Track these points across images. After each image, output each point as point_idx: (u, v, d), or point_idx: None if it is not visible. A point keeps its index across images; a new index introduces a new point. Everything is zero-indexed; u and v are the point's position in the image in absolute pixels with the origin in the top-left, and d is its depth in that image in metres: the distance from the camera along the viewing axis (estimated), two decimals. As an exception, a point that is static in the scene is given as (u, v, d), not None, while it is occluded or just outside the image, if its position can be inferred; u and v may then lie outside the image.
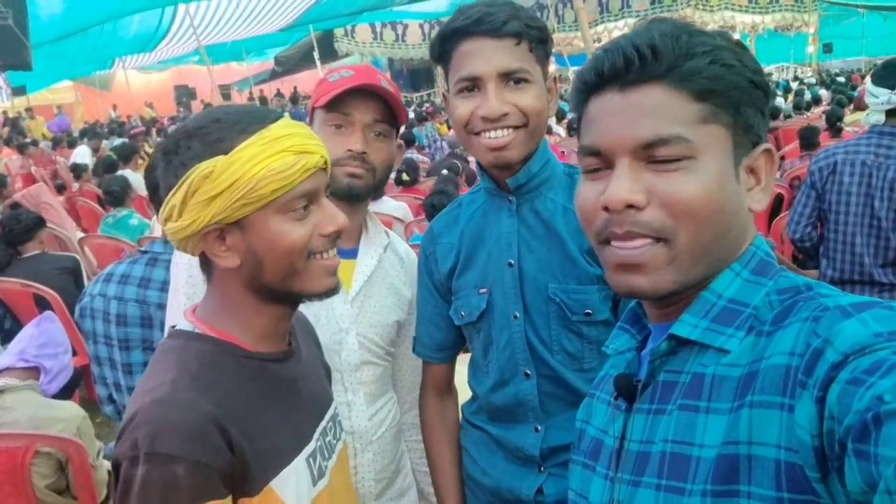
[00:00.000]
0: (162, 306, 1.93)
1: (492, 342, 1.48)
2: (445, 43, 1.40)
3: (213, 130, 1.03)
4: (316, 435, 1.19)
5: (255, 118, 1.05)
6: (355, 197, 1.54)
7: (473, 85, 1.37)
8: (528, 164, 1.41)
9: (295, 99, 19.83)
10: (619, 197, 0.80)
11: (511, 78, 1.35)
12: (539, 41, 1.37)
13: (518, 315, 1.43)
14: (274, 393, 1.12)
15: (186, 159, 1.02)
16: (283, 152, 1.02)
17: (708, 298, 0.83)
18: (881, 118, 2.83)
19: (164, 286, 1.95)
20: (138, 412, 0.98)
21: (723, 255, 0.83)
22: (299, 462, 1.12)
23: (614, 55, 0.82)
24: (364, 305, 1.61)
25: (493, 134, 1.36)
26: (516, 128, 1.35)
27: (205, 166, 1.00)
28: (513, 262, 1.43)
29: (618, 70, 0.81)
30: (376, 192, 1.61)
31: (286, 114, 1.10)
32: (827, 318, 0.71)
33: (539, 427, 1.46)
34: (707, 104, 0.80)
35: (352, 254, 1.62)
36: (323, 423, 1.23)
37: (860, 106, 10.04)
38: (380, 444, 1.63)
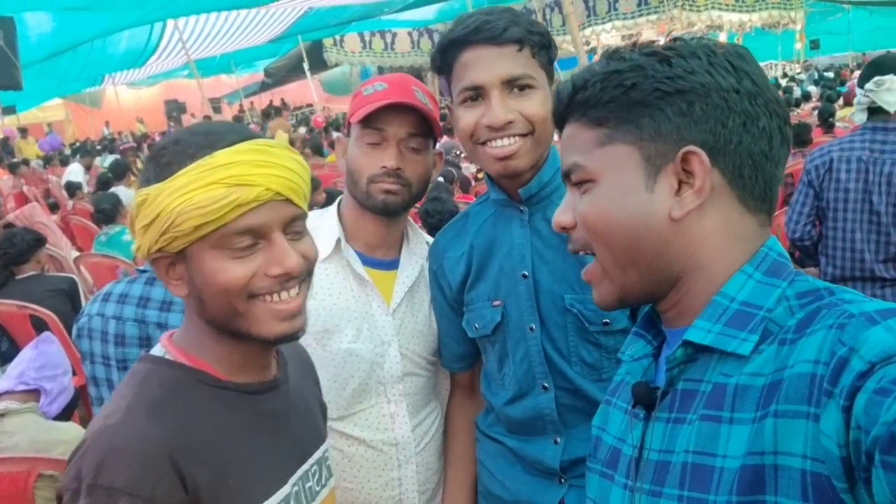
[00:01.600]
0: (161, 325, 1.92)
1: (507, 355, 1.46)
2: (446, 54, 1.38)
3: (168, 153, 0.97)
4: (293, 478, 1.09)
5: (209, 141, 0.96)
6: (391, 213, 1.53)
7: (477, 94, 1.35)
8: (539, 174, 1.40)
9: (268, 113, 19.63)
10: (555, 220, 0.93)
11: (515, 85, 1.33)
12: (541, 46, 1.36)
13: (534, 327, 1.41)
14: (247, 427, 1.03)
15: (142, 181, 0.98)
16: (215, 184, 0.92)
17: (720, 302, 0.83)
18: (864, 116, 2.86)
19: (163, 305, 1.94)
20: (87, 439, 0.91)
21: (654, 263, 0.85)
22: None
23: (553, 103, 0.96)
24: (406, 317, 1.60)
25: (499, 143, 1.34)
26: (523, 136, 1.33)
27: (142, 193, 0.95)
28: (527, 273, 1.41)
29: (555, 114, 0.95)
30: (413, 204, 1.60)
31: (255, 137, 1.00)
32: (852, 325, 0.71)
33: (559, 439, 1.43)
34: (602, 128, 0.87)
35: (393, 265, 1.62)
36: (305, 467, 1.13)
37: (850, 101, 10.10)
38: (423, 455, 1.63)
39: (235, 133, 0.98)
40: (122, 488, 0.86)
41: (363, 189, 1.51)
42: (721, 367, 0.82)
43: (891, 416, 0.60)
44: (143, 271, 2.00)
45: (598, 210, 0.86)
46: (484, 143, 1.36)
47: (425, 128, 1.51)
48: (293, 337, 1.02)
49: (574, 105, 0.89)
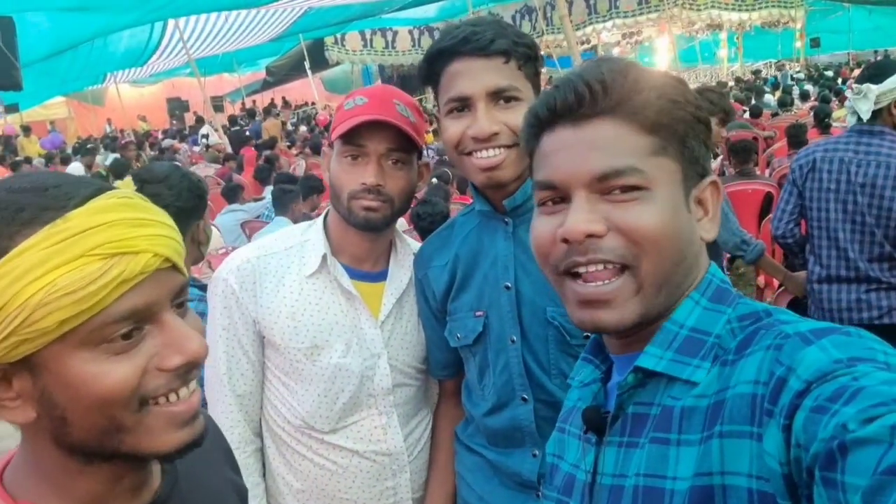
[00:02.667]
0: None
1: (488, 365, 1.46)
2: (433, 64, 1.39)
3: None
4: None
5: (51, 200, 0.69)
6: (374, 229, 1.51)
7: (463, 105, 1.35)
8: (523, 185, 1.39)
9: (253, 113, 19.34)
10: (579, 228, 0.81)
11: (501, 96, 1.33)
12: (527, 58, 1.36)
13: (515, 339, 1.41)
14: None
15: None
16: (84, 257, 0.67)
17: (670, 329, 0.84)
18: (854, 119, 2.90)
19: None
20: None
21: (681, 284, 0.85)
22: None
23: (566, 91, 0.84)
24: (395, 328, 1.59)
25: (483, 154, 1.34)
26: (507, 147, 1.33)
27: None
28: (510, 285, 1.41)
29: (570, 105, 0.84)
30: (397, 218, 1.58)
31: (107, 188, 0.74)
32: (788, 345, 0.73)
33: (537, 452, 1.43)
34: (657, 137, 0.83)
35: (381, 276, 1.60)
36: None
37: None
38: (416, 463, 1.64)
39: (84, 185, 0.72)
40: None
41: (345, 205, 1.49)
42: (669, 390, 0.83)
43: (828, 433, 0.61)
44: None
45: (660, 220, 0.81)
46: (469, 154, 1.36)
47: (407, 142, 1.49)
48: (196, 445, 0.77)
49: (625, 103, 0.82)
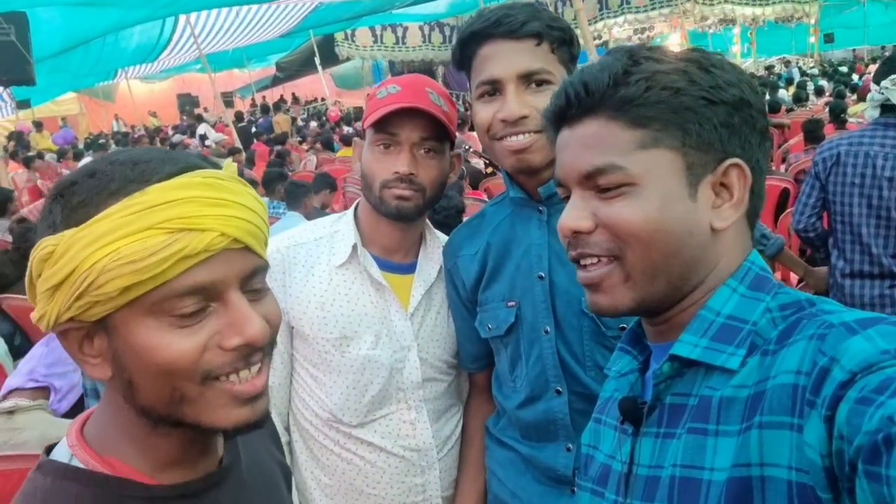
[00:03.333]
0: None
1: (520, 357, 1.44)
2: (465, 48, 1.37)
3: (81, 189, 0.73)
4: None
5: (138, 174, 0.73)
6: (406, 219, 1.51)
7: (494, 89, 1.34)
8: None
9: (266, 108, 19.44)
10: (566, 224, 0.87)
11: (532, 80, 1.32)
12: (561, 42, 1.34)
13: (549, 330, 1.39)
14: None
15: (43, 227, 0.74)
16: (152, 230, 0.70)
17: (706, 316, 0.84)
18: (876, 112, 2.84)
19: None
20: None
21: (687, 273, 0.84)
22: None
23: (558, 96, 0.89)
24: (424, 320, 1.59)
25: (514, 138, 1.33)
26: (537, 132, 1.31)
27: (46, 244, 0.71)
28: (543, 274, 1.39)
29: (561, 108, 0.88)
30: (429, 208, 1.57)
31: (199, 166, 0.77)
32: (832, 335, 0.71)
33: (571, 446, 1.41)
34: (646, 130, 0.83)
35: (410, 268, 1.60)
36: None
37: (863, 96, 9.99)
38: (446, 461, 1.62)
39: (173, 162, 0.75)
40: None
41: (376, 194, 1.49)
42: (707, 380, 0.82)
43: (873, 425, 0.60)
44: None
45: (643, 215, 0.82)
46: (500, 139, 1.35)
47: (439, 131, 1.48)
48: (256, 425, 0.80)
49: (608, 101, 0.83)
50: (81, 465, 0.78)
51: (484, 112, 1.35)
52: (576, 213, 0.86)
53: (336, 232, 1.58)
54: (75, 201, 0.73)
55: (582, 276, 0.88)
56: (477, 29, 1.34)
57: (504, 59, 1.32)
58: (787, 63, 22.82)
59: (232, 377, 0.76)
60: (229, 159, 0.85)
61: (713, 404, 0.80)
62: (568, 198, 0.89)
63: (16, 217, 6.20)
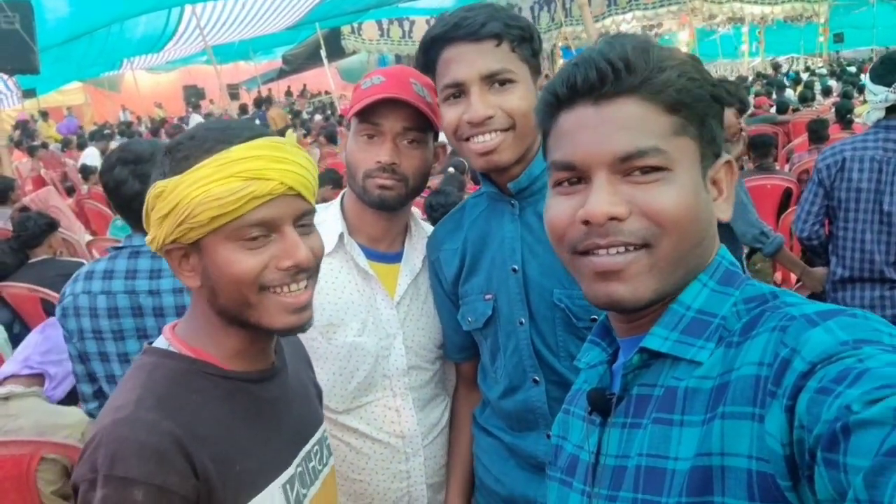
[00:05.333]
0: (152, 293, 1.95)
1: (499, 348, 1.46)
2: (428, 52, 1.39)
3: (185, 147, 1.01)
4: (296, 461, 1.14)
5: (225, 137, 1.00)
6: (388, 208, 1.53)
7: (458, 91, 1.35)
8: (529, 168, 1.40)
9: (260, 102, 19.42)
10: (603, 210, 0.80)
11: (495, 80, 1.33)
12: (521, 40, 1.35)
13: (524, 321, 1.41)
14: (250, 414, 1.08)
15: (157, 174, 1.02)
16: (232, 177, 0.96)
17: (677, 310, 0.84)
18: (881, 115, 2.79)
19: (152, 273, 1.96)
20: (99, 433, 0.95)
21: (696, 265, 0.84)
22: (274, 489, 1.07)
23: (587, 69, 0.82)
24: (410, 309, 1.61)
25: (480, 139, 1.35)
26: (504, 130, 1.34)
27: (159, 185, 0.99)
28: (517, 267, 1.41)
29: (591, 83, 0.82)
30: (412, 198, 1.59)
31: (269, 135, 1.05)
32: (794, 327, 0.73)
33: (550, 434, 1.44)
34: (678, 117, 0.81)
35: (396, 258, 1.62)
36: (307, 448, 1.18)
37: (871, 97, 9.92)
38: (431, 448, 1.64)
39: (250, 130, 1.03)
40: (136, 478, 0.91)
41: (360, 184, 1.51)
42: (673, 371, 0.83)
43: (832, 414, 0.61)
44: (124, 247, 2.01)
45: (683, 202, 0.80)
46: (467, 140, 1.36)
47: (422, 121, 1.50)
48: (301, 329, 1.06)
49: (648, 82, 0.81)
50: (176, 350, 1.06)
51: (450, 114, 1.37)
52: (609, 199, 0.81)
53: (322, 222, 1.59)
54: (180, 156, 1.00)
55: (599, 262, 0.82)
56: (437, 33, 1.36)
57: (466, 61, 1.33)
58: (776, 66, 22.63)
59: (283, 290, 1.02)
60: (290, 130, 1.20)
61: (678, 395, 0.81)
62: (566, 182, 0.86)
63: (17, 205, 6.21)
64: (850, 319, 0.71)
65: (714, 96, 0.84)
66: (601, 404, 0.89)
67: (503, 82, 1.33)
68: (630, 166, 0.81)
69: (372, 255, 1.59)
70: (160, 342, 1.10)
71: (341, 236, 1.56)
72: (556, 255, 1.36)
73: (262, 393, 1.10)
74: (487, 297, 1.46)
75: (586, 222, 0.82)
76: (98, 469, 0.92)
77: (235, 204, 0.96)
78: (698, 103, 0.82)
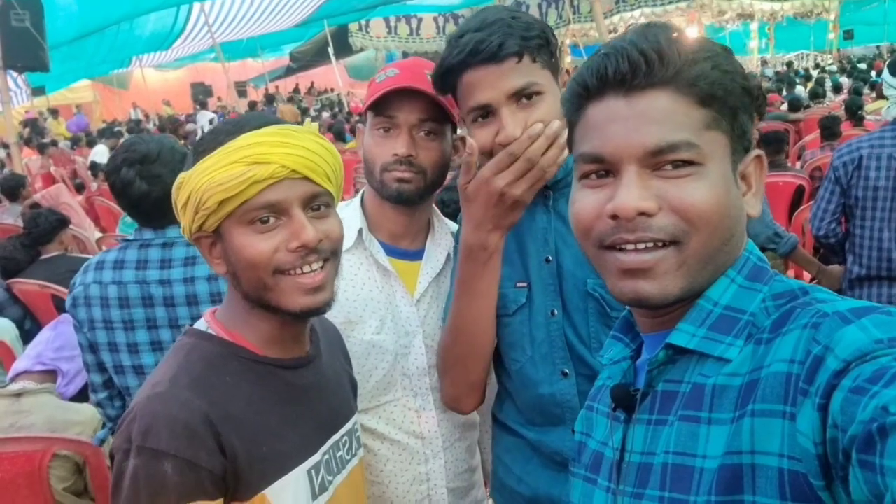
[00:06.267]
0: (162, 282, 1.95)
1: (527, 339, 1.43)
2: (445, 79, 1.36)
3: (205, 142, 1.06)
4: (324, 448, 1.17)
5: (237, 127, 1.04)
6: (407, 201, 1.51)
7: (486, 112, 1.33)
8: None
9: (271, 98, 19.47)
10: (632, 205, 0.78)
11: (522, 95, 1.31)
12: (540, 48, 1.32)
13: (556, 312, 1.39)
14: (281, 399, 1.11)
15: (185, 167, 1.08)
16: (235, 163, 1.00)
17: (704, 306, 0.83)
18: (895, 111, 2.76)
19: (163, 264, 1.96)
20: (135, 406, 1.00)
21: (724, 261, 0.83)
22: (299, 472, 1.10)
23: (618, 59, 0.80)
24: (431, 308, 1.58)
25: None
26: None
27: (180, 177, 1.05)
28: (550, 258, 1.40)
29: (623, 75, 0.80)
30: (432, 192, 1.56)
31: (282, 123, 1.08)
32: (826, 324, 0.71)
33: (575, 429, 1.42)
34: (710, 110, 0.80)
35: (417, 255, 1.60)
36: (336, 437, 1.20)
37: (882, 93, 9.85)
38: (452, 451, 1.61)
39: (262, 119, 1.06)
40: (166, 451, 0.95)
41: (378, 178, 1.50)
42: (700, 367, 0.81)
43: (867, 414, 0.60)
44: (134, 240, 2.00)
45: (715, 198, 0.79)
46: None
47: (439, 112, 1.48)
48: (318, 311, 1.09)
49: (681, 75, 0.79)
50: (214, 333, 1.11)
51: (482, 137, 1.34)
52: (639, 193, 0.79)
53: (342, 218, 1.57)
54: (201, 150, 1.05)
55: (627, 259, 0.81)
56: (455, 62, 1.31)
57: (490, 84, 1.30)
58: (764, 62, 22.50)
59: (296, 272, 1.05)
60: (308, 119, 1.23)
61: (706, 392, 0.79)
62: (593, 175, 0.84)
63: (28, 202, 6.23)
64: (884, 317, 0.70)
65: (746, 89, 0.82)
66: (625, 400, 0.88)
67: (530, 96, 1.31)
68: (661, 160, 0.79)
69: (393, 252, 1.57)
70: (200, 324, 1.14)
71: (360, 232, 1.54)
72: None
73: (295, 379, 1.13)
74: (521, 284, 1.43)
75: (614, 216, 0.80)
76: (132, 440, 0.97)
77: (238, 188, 0.99)
78: (730, 96, 0.81)
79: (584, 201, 0.85)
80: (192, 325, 1.16)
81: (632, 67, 0.79)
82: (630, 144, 0.80)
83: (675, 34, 0.81)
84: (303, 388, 1.15)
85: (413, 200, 1.51)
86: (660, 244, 0.79)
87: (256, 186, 1.00)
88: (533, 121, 1.29)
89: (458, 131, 1.59)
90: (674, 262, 0.80)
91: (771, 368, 0.73)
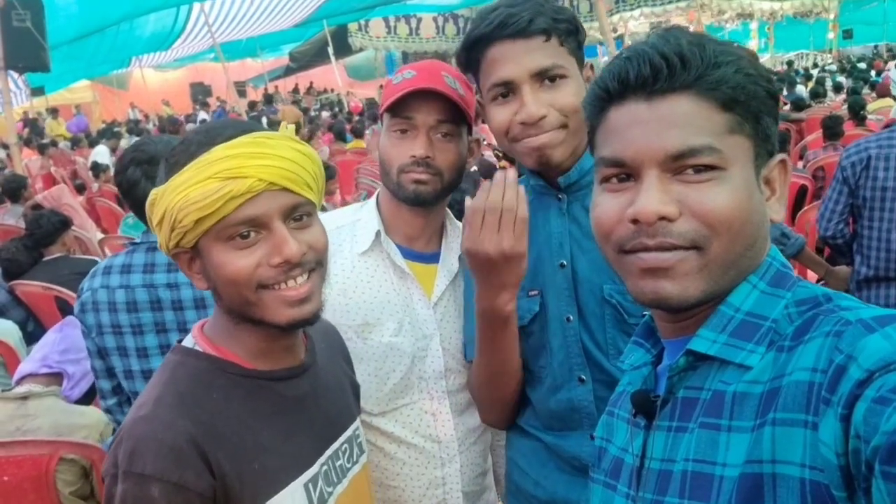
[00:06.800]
0: (170, 286, 1.95)
1: (543, 346, 1.42)
2: (471, 52, 1.35)
3: (176, 154, 1.01)
4: (322, 458, 1.13)
5: (209, 138, 0.99)
6: (424, 203, 1.50)
7: (507, 90, 1.32)
8: (579, 162, 1.37)
9: (270, 98, 19.44)
10: (653, 209, 0.78)
11: (546, 76, 1.30)
12: (569, 33, 1.32)
13: (572, 318, 1.37)
14: (273, 412, 1.08)
15: (158, 182, 1.02)
16: (209, 179, 0.95)
17: (725, 312, 0.82)
18: None
19: (171, 267, 1.95)
20: (122, 429, 0.99)
21: (747, 266, 0.82)
22: (296, 487, 1.06)
23: (640, 63, 0.79)
24: (447, 310, 1.57)
25: (533, 141, 1.31)
26: (557, 129, 1.30)
27: (153, 193, 1.01)
28: (565, 262, 1.38)
29: (644, 79, 0.80)
30: (448, 194, 1.55)
31: (256, 130, 1.02)
32: (849, 332, 0.70)
33: (594, 434, 1.40)
34: (733, 114, 0.79)
35: (433, 258, 1.59)
36: (335, 446, 1.17)
37: (882, 93, 9.85)
38: (468, 455, 1.61)
39: (234, 128, 1.01)
40: (152, 475, 0.92)
41: (394, 180, 1.49)
42: (721, 374, 0.81)
43: (891, 426, 0.59)
44: (141, 243, 2.00)
45: (737, 203, 0.78)
46: (520, 141, 1.33)
47: (456, 114, 1.47)
48: (305, 322, 1.05)
49: (703, 79, 0.78)
50: (201, 349, 1.07)
51: (500, 115, 1.33)
52: (660, 197, 0.78)
53: (357, 220, 1.57)
54: (172, 162, 1.00)
55: (647, 258, 0.80)
56: (482, 33, 1.31)
57: (514, 60, 1.29)
58: (791, 63, 22.57)
59: (280, 286, 1.01)
60: (284, 123, 1.07)
61: (726, 399, 0.78)
62: (614, 179, 0.84)
63: (30, 203, 6.22)
64: None
65: (769, 93, 0.82)
66: (646, 407, 0.87)
67: (554, 78, 1.30)
68: (682, 165, 0.78)
69: (408, 255, 1.56)
70: (187, 341, 1.11)
71: (377, 234, 1.53)
72: None
73: (287, 391, 1.10)
74: (532, 293, 1.41)
75: (635, 221, 0.79)
76: (119, 464, 0.95)
77: (214, 206, 0.95)
78: (753, 100, 0.80)
79: (605, 206, 0.85)
80: (180, 342, 1.12)
81: (653, 71, 0.79)
82: (651, 148, 0.79)
83: (698, 38, 0.81)
84: (296, 398, 1.11)
85: (430, 202, 1.50)
86: (680, 250, 0.79)
87: (233, 202, 0.96)
88: (554, 103, 1.28)
89: (474, 133, 1.59)
90: (695, 265, 0.79)
91: (793, 377, 0.72)
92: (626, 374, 1.01)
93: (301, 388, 1.12)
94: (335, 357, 1.29)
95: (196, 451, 0.95)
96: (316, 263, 1.05)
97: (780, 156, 0.85)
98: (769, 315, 0.80)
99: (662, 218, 0.78)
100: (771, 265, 0.84)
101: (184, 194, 0.96)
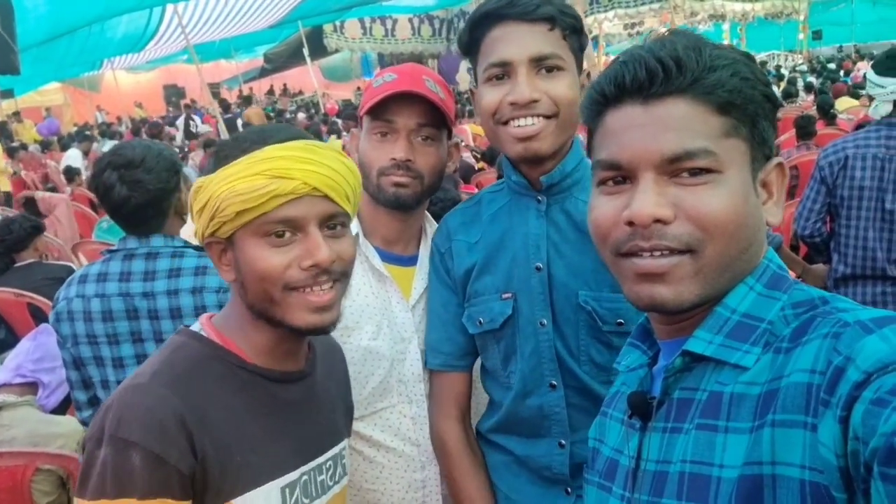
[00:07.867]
0: (146, 295, 1.91)
1: (515, 351, 1.40)
2: (475, 30, 1.35)
3: (226, 148, 1.06)
4: (305, 468, 1.14)
5: (262, 138, 1.04)
6: (404, 206, 1.49)
7: (503, 72, 1.31)
8: (562, 163, 1.36)
9: (248, 100, 19.25)
10: (648, 212, 0.79)
11: (543, 64, 1.30)
12: (573, 29, 1.32)
13: (545, 322, 1.36)
14: (264, 410, 1.10)
15: (204, 173, 1.08)
16: (258, 175, 1.00)
17: (721, 313, 0.82)
18: (889, 108, 2.79)
19: (146, 276, 1.92)
20: (114, 396, 1.00)
21: (743, 269, 0.82)
22: (272, 488, 1.07)
23: (636, 67, 0.80)
24: (426, 314, 1.56)
25: (521, 122, 1.30)
26: (546, 117, 1.29)
27: (199, 181, 1.05)
28: (541, 265, 1.36)
29: (640, 82, 0.80)
30: (428, 197, 1.55)
31: (308, 138, 1.07)
32: (847, 334, 0.71)
33: (563, 442, 1.39)
34: (729, 118, 0.80)
35: (412, 260, 1.59)
36: (320, 460, 1.17)
37: (850, 93, 10.03)
38: None
39: (288, 132, 1.07)
40: (136, 441, 0.94)
41: (374, 182, 1.48)
42: (717, 375, 0.81)
43: (889, 427, 0.60)
44: (118, 250, 1.96)
45: (732, 206, 0.78)
46: (506, 123, 1.32)
47: (437, 118, 1.47)
48: (324, 329, 1.08)
49: (699, 82, 0.79)
50: (206, 335, 1.11)
51: (491, 95, 1.32)
52: (655, 199, 0.79)
53: None
54: (222, 155, 1.05)
55: (642, 263, 0.81)
56: (490, 9, 1.32)
57: (516, 41, 1.29)
58: (763, 64, 22.96)
59: (307, 290, 1.04)
60: (333, 137, 1.28)
61: (723, 400, 0.79)
62: (611, 182, 0.84)
63: (24, 194, 6.08)
64: None
65: (766, 96, 0.82)
66: (641, 408, 0.88)
67: (551, 68, 1.30)
68: (678, 168, 0.79)
69: (387, 258, 1.56)
70: (195, 325, 1.14)
71: (356, 237, 1.52)
72: (583, 255, 1.34)
73: (282, 393, 1.12)
74: (506, 295, 1.40)
75: (630, 223, 0.81)
76: (106, 429, 0.96)
77: (258, 200, 0.99)
78: (750, 104, 0.81)
79: (602, 208, 0.85)
80: (187, 326, 1.15)
81: (649, 75, 0.80)
82: (647, 151, 0.80)
83: (694, 42, 0.81)
84: (288, 402, 1.13)
85: (410, 205, 1.50)
86: (676, 253, 0.80)
87: (276, 200, 1.00)
88: (547, 91, 1.28)
89: (454, 137, 1.58)
90: (689, 269, 0.80)
91: (791, 378, 0.73)
92: (620, 375, 1.01)
93: (295, 393, 1.14)
94: (334, 374, 1.30)
95: (183, 430, 0.97)
96: (341, 274, 1.08)
97: (777, 159, 0.86)
98: (765, 317, 0.81)
99: (657, 220, 0.79)
100: (767, 267, 0.85)
101: (230, 185, 1.00)
